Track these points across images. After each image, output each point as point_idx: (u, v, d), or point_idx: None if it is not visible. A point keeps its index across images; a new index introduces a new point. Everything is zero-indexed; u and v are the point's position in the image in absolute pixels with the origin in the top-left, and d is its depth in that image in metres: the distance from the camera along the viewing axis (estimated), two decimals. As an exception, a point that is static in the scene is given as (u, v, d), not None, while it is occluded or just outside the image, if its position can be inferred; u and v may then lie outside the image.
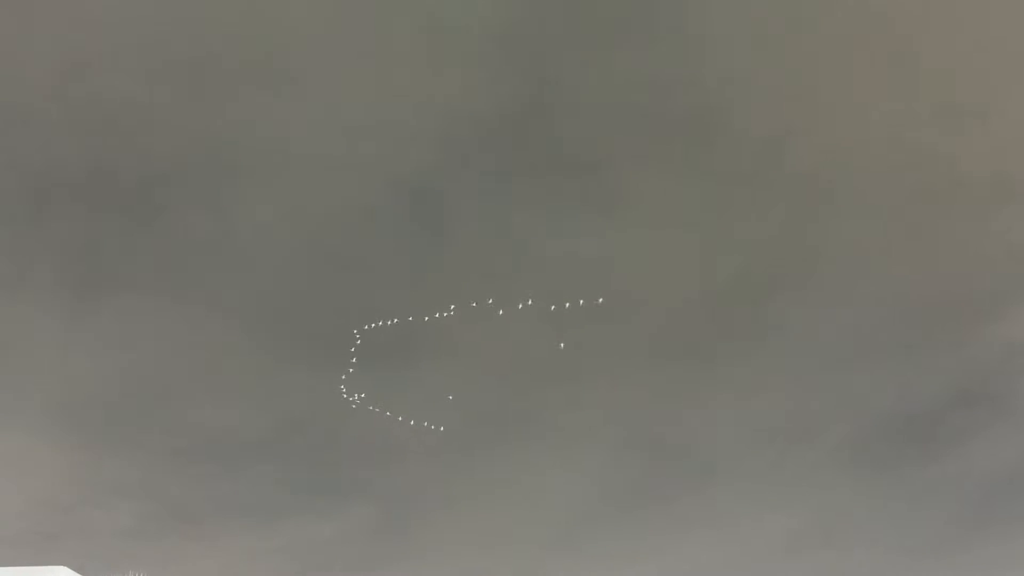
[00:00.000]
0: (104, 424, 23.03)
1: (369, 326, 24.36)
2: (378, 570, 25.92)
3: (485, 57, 23.10)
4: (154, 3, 22.03)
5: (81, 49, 22.96)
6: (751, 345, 26.95)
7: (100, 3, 22.78)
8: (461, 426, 26.56)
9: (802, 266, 25.63)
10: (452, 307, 24.83)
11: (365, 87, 22.87)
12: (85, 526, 22.71)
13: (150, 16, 22.52)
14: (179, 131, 23.26)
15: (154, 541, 23.28)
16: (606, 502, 28.73)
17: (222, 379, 23.68)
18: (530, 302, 25.71)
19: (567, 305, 26.01)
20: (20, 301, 22.53)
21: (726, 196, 25.17)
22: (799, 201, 25.26)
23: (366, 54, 22.67)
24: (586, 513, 28.63)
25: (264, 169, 23.30)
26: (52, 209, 22.97)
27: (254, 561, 24.62)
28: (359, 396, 24.93)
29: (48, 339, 23.00)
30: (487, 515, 27.50)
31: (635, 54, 23.79)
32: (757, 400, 28.59)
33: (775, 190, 25.11)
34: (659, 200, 25.36)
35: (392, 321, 24.45)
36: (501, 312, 25.67)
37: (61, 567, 11.50)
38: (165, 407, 23.28)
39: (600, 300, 25.60)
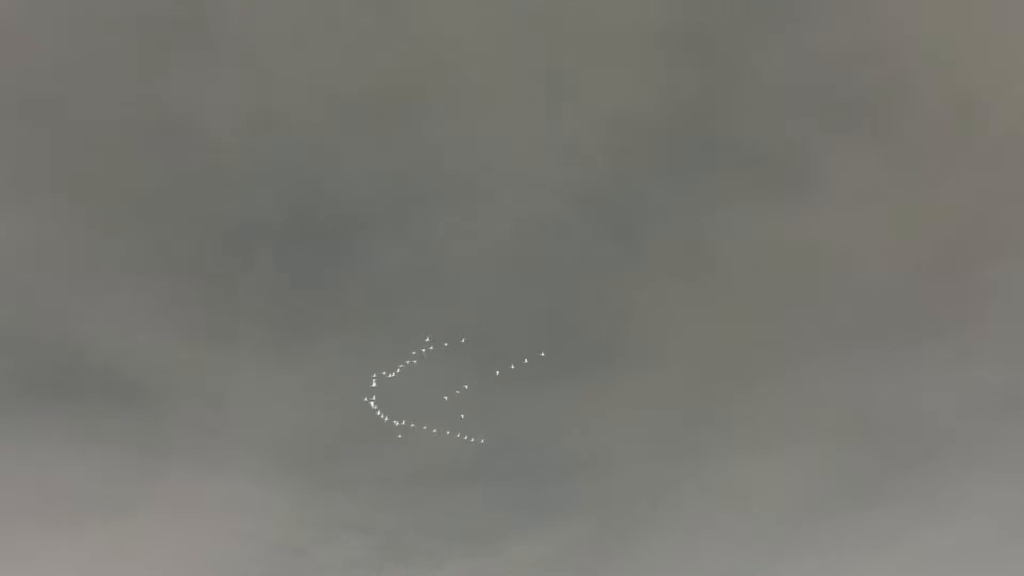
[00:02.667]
0: (324, 463, 23.68)
1: (568, 340, 24.30)
2: (603, 584, 25.87)
3: (655, 56, 22.76)
4: (321, 48, 22.55)
5: (260, 102, 23.67)
6: (966, 313, 25.68)
7: (274, 56, 23.46)
8: (669, 432, 26.22)
9: (1017, 230, 24.23)
10: (649, 313, 24.51)
11: (539, 102, 22.85)
12: (319, 564, 23.40)
13: (320, 61, 23.07)
14: (364, 169, 23.73)
15: (383, 572, 23.82)
16: (826, 495, 27.89)
17: (433, 406, 24.04)
18: (725, 298, 25.18)
19: (764, 297, 25.34)
20: (231, 352, 23.37)
21: (923, 165, 24.06)
22: (1004, 163, 23.92)
23: (536, 68, 22.66)
24: (806, 508, 27.85)
25: (451, 197, 23.54)
26: (251, 260, 23.74)
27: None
28: (565, 410, 24.94)
29: (260, 386, 23.79)
30: (705, 520, 27.06)
31: (811, 31, 23.03)
32: (976, 371, 27.22)
33: (976, 154, 23.84)
34: (850, 179, 24.44)
35: (591, 333, 24.32)
36: (697, 312, 25.24)
37: None
38: (379, 440, 23.78)
39: (793, 288, 24.84)
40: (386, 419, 23.41)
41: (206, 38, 22.41)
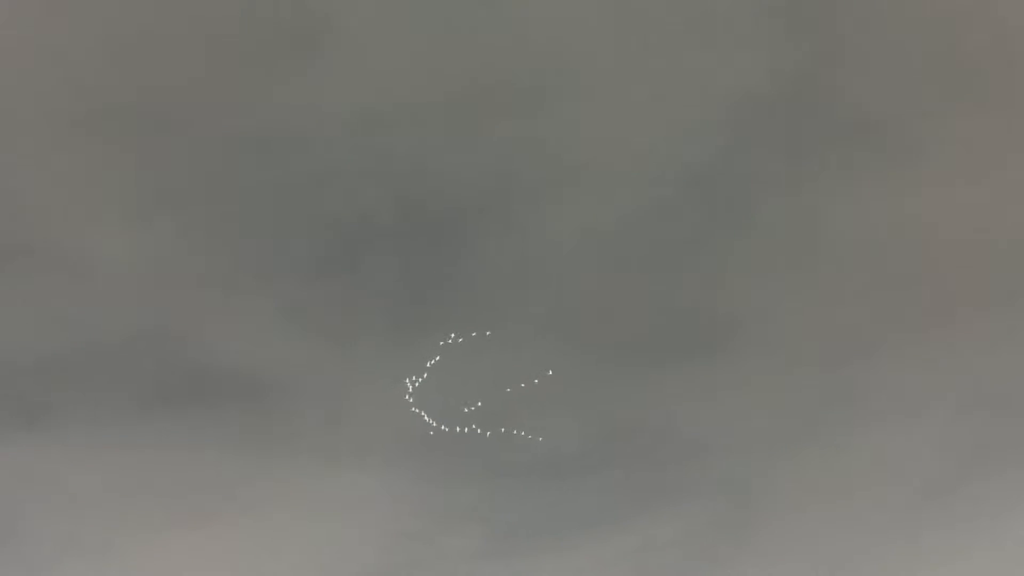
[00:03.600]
0: (444, 453, 24.03)
1: (681, 324, 24.15)
2: (726, 567, 25.68)
3: (761, 29, 22.38)
4: (424, 44, 22.79)
5: (366, 101, 24.06)
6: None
7: (378, 54, 23.81)
8: (787, 412, 25.86)
9: None
10: (760, 293, 24.19)
11: (644, 85, 22.70)
12: (441, 552, 23.78)
13: (424, 57, 23.30)
14: (471, 164, 23.95)
15: (505, 560, 24.09)
16: (954, 472, 27.18)
17: (547, 395, 24.19)
18: (838, 275, 24.70)
19: (878, 273, 24.78)
20: (352, 351, 23.87)
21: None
22: None
23: (640, 51, 22.50)
24: (933, 485, 27.19)
25: (558, 187, 23.59)
26: (365, 258, 24.19)
27: (602, 570, 24.97)
28: (680, 394, 24.80)
29: (382, 382, 24.26)
30: (827, 500, 26.64)
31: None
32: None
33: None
34: (965, 149, 23.71)
35: (703, 316, 24.12)
36: (809, 290, 24.81)
37: None
38: (498, 430, 24.04)
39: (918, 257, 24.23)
40: (509, 409, 23.64)
41: (310, 40, 22.86)
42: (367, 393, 23.81)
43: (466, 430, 24.10)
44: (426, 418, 23.96)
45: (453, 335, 24.06)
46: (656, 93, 23.07)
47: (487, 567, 23.79)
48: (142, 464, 22.84)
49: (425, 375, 23.98)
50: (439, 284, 23.99)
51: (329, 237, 24.04)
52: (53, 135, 21.83)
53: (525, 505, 24.40)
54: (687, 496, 25.36)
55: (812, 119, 23.51)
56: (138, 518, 23.25)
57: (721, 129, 22.90)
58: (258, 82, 22.38)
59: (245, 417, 23.19)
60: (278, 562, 23.61)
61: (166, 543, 23.06)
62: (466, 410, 24.21)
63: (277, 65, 22.73)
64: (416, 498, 24.13)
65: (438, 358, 23.98)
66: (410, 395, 23.88)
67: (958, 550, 25.90)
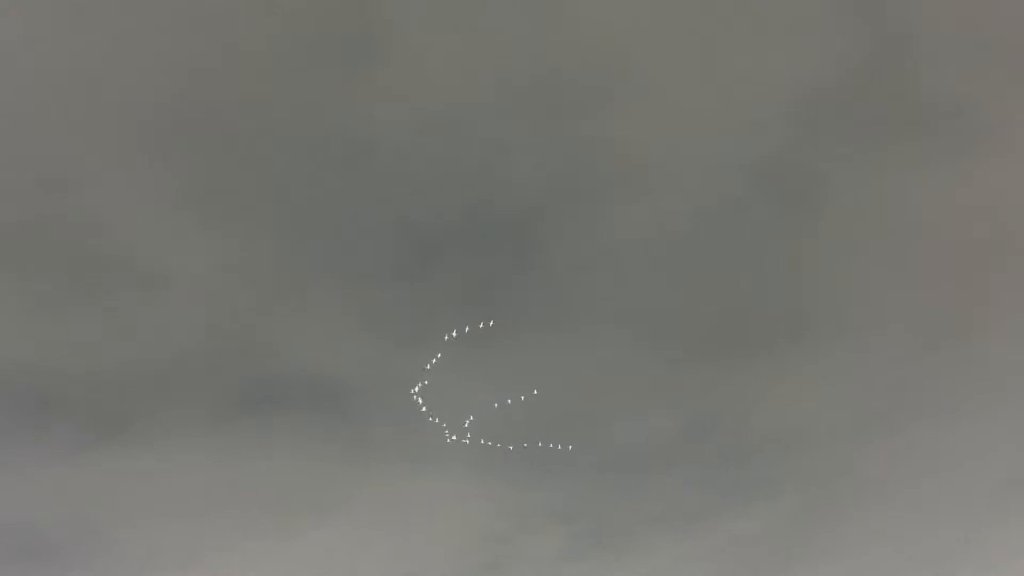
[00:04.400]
0: (526, 454, 24.04)
1: (759, 318, 23.98)
2: (814, 560, 25.33)
3: (827, 22, 22.19)
4: (490, 48, 22.91)
5: (434, 106, 24.13)
6: None
7: (443, 60, 23.89)
8: (870, 403, 25.50)
9: None
10: (839, 284, 23.95)
11: (712, 82, 22.61)
12: (524, 553, 23.79)
13: (490, 61, 23.40)
14: (539, 165, 23.95)
15: (588, 559, 24.03)
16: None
17: (626, 392, 24.11)
18: (915, 261, 24.34)
19: (955, 258, 24.38)
20: (427, 354, 23.96)
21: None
22: None
23: (707, 49, 22.42)
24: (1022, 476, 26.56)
25: (628, 184, 23.55)
26: (438, 261, 24.28)
27: (686, 566, 24.78)
28: (761, 388, 24.58)
29: (459, 383, 24.32)
30: (913, 491, 26.15)
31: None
32: None
33: None
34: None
35: (781, 309, 23.94)
36: (888, 278, 24.47)
37: None
38: (579, 429, 24.00)
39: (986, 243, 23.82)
40: (589, 408, 23.62)
41: (377, 50, 23.12)
42: (452, 396, 23.91)
43: (548, 429, 24.11)
44: (507, 420, 24.01)
45: (529, 334, 24.11)
46: (721, 90, 22.98)
47: (570, 567, 23.77)
48: (227, 471, 23.19)
49: (503, 377, 24.02)
50: (512, 285, 24.08)
51: (402, 241, 24.25)
52: (126, 153, 22.32)
53: (607, 504, 24.35)
54: (768, 491, 25.14)
55: (879, 109, 23.23)
56: (224, 525, 23.58)
57: (788, 122, 22.72)
58: (327, 90, 22.69)
59: (327, 423, 23.48)
60: (364, 566, 23.78)
61: (253, 549, 23.36)
62: (545, 411, 24.23)
63: (345, 73, 23.02)
64: (500, 500, 24.18)
65: (516, 358, 24.01)
66: (490, 397, 23.92)
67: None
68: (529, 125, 23.55)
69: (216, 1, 21.18)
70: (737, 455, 24.72)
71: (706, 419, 24.87)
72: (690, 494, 24.46)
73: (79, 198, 21.36)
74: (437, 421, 23.60)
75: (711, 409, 24.88)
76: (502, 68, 23.24)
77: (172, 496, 23.31)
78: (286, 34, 22.15)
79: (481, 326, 23.43)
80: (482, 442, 23.88)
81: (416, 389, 23.38)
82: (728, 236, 24.81)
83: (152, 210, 22.03)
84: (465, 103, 23.56)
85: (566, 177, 24.19)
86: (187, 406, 22.97)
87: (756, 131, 24.07)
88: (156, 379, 22.60)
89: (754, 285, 24.45)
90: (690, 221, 24.07)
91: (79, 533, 22.61)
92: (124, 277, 22.11)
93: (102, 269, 21.84)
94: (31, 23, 20.54)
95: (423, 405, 23.62)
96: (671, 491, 24.31)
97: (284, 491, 23.74)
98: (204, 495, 23.55)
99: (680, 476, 24.39)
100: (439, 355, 23.27)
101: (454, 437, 23.63)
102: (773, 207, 23.85)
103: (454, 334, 23.39)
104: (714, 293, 24.88)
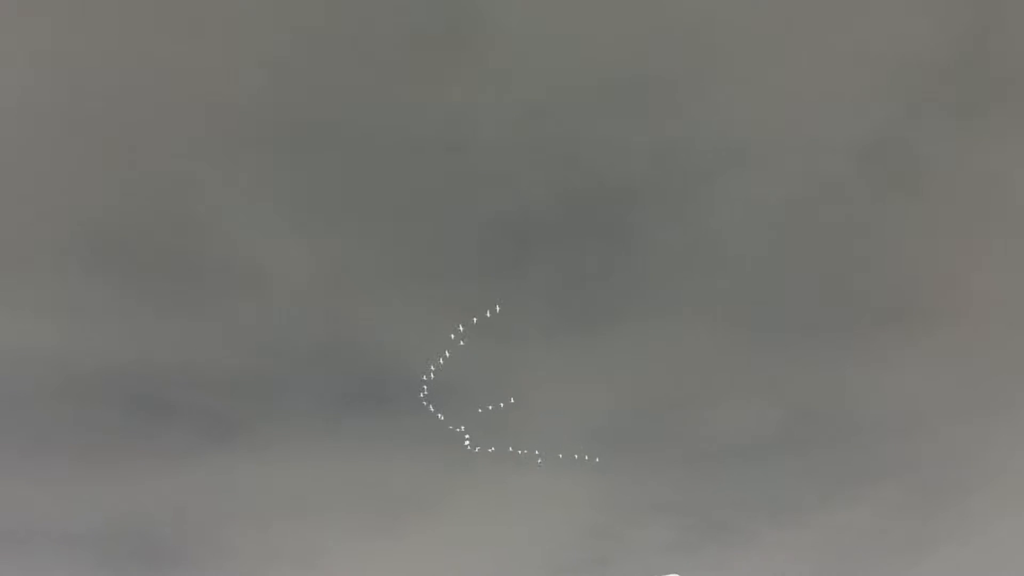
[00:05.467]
0: (629, 446, 23.92)
1: (860, 302, 23.66)
2: (922, 549, 24.79)
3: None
4: (580, 42, 22.98)
5: (527, 98, 24.20)
6: None
7: (535, 52, 23.98)
8: (977, 388, 24.98)
9: None
10: (941, 265, 23.54)
11: (811, 60, 22.42)
12: (631, 546, 23.61)
13: (579, 56, 23.45)
14: (633, 150, 23.91)
15: (695, 551, 23.77)
16: None
17: (726, 382, 23.90)
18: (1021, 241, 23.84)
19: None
20: (525, 346, 23.97)
21: None
22: None
23: (805, 26, 22.26)
24: None
25: (725, 167, 23.42)
26: (532, 252, 24.31)
27: (794, 556, 24.42)
28: (864, 374, 24.23)
29: (558, 377, 24.29)
30: (1022, 477, 25.48)
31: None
32: None
33: None
34: None
35: (883, 293, 23.59)
36: (994, 259, 23.99)
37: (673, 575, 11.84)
38: (681, 420, 23.84)
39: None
40: (690, 398, 23.44)
41: (470, 45, 23.29)
42: (545, 393, 23.92)
43: (648, 421, 23.96)
44: (606, 412, 23.92)
45: (625, 323, 24.04)
46: (824, 67, 22.78)
47: (679, 558, 23.52)
48: (334, 471, 23.40)
49: (600, 367, 23.95)
50: (611, 276, 24.03)
51: (497, 235, 24.34)
52: (233, 157, 22.69)
53: (713, 495, 24.10)
54: (875, 478, 24.71)
55: (982, 82, 22.84)
56: (332, 523, 23.74)
57: (889, 98, 22.44)
58: (425, 91, 22.89)
59: (431, 422, 23.55)
60: (469, 563, 23.75)
61: (364, 547, 23.47)
62: (649, 401, 24.08)
63: (442, 73, 23.22)
64: (604, 494, 24.08)
65: (612, 348, 23.94)
66: (587, 389, 23.87)
67: None
68: (625, 113, 23.52)
69: (318, 4, 21.53)
70: (841, 444, 24.36)
71: (810, 408, 24.56)
72: (795, 484, 24.13)
73: (189, 203, 21.77)
74: (535, 416, 23.58)
75: (815, 398, 24.57)
76: (596, 57, 23.21)
77: (281, 496, 23.55)
78: (387, 37, 22.40)
79: (580, 319, 23.40)
80: (589, 435, 23.81)
81: (522, 384, 23.41)
82: (828, 219, 24.51)
83: (259, 213, 22.39)
84: (559, 94, 23.55)
85: (663, 165, 24.12)
86: (296, 408, 23.23)
87: (857, 111, 23.79)
88: (266, 381, 22.91)
89: (856, 269, 24.14)
90: (789, 205, 23.85)
91: (193, 534, 22.90)
92: (234, 281, 22.48)
93: (212, 273, 22.22)
94: (140, 29, 21.01)
95: (530, 400, 23.64)
96: (776, 481, 24.01)
97: (390, 490, 23.85)
98: (312, 494, 23.75)
99: (784, 466, 24.09)
100: (539, 350, 23.30)
101: (552, 431, 23.59)
102: (875, 188, 23.57)
103: (552, 328, 23.39)
104: (815, 278, 24.59)
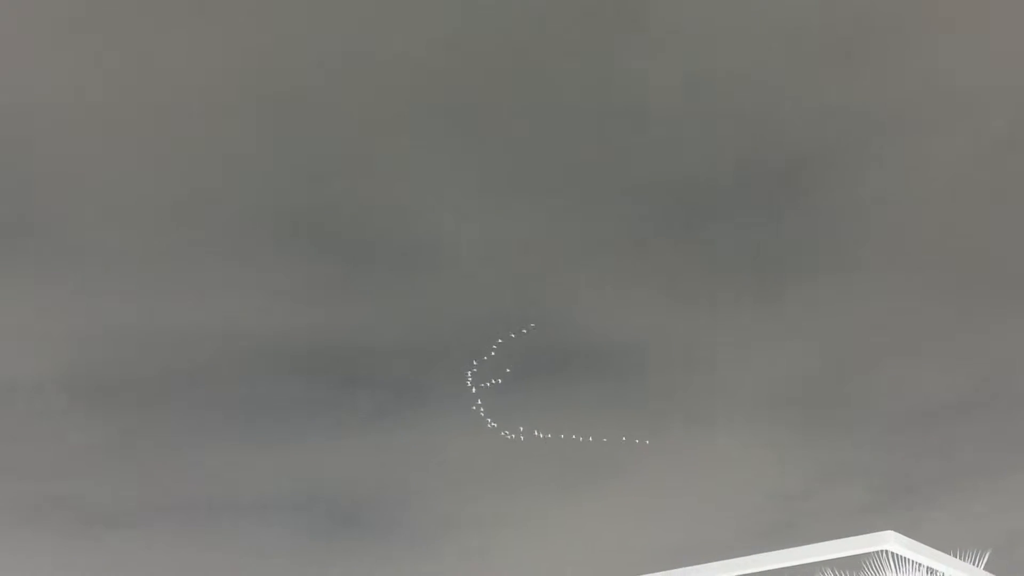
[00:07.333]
0: (818, 408, 23.59)
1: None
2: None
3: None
4: (749, 6, 22.49)
5: (698, 65, 23.94)
6: None
7: (705, 26, 23.66)
8: None
9: None
10: None
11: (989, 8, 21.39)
12: (821, 509, 23.40)
13: (750, 22, 23.00)
14: (813, 110, 23.35)
15: (889, 514, 23.38)
16: None
17: (912, 344, 23.26)
18: None
19: None
20: (710, 312, 23.85)
21: None
22: None
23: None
24: None
25: (913, 124, 22.65)
26: (713, 216, 24.09)
27: (990, 520, 23.75)
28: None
29: (742, 341, 24.07)
30: None
31: None
32: None
33: None
34: None
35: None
36: None
37: (888, 531, 11.56)
38: (873, 381, 23.35)
39: None
40: (876, 361, 22.94)
41: (641, 18, 23.07)
42: (727, 357, 23.75)
43: (838, 382, 23.58)
44: (796, 374, 23.62)
45: (812, 284, 23.59)
46: (995, 19, 21.68)
47: (872, 520, 23.16)
48: (520, 435, 23.80)
49: (789, 328, 23.63)
50: (792, 237, 23.57)
51: (675, 203, 24.14)
52: (409, 133, 23.13)
53: (903, 457, 23.57)
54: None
55: None
56: (521, 489, 24.26)
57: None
58: (597, 60, 22.79)
59: (615, 385, 23.72)
60: (658, 527, 23.97)
61: (551, 512, 23.94)
62: (835, 361, 23.66)
63: (614, 40, 23.06)
64: (790, 457, 23.83)
65: (800, 310, 23.56)
66: (776, 351, 23.61)
67: None
68: (802, 73, 22.94)
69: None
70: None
71: (1001, 368, 23.69)
72: (995, 446, 23.38)
73: (368, 180, 22.34)
74: (720, 379, 23.46)
75: (1006, 358, 23.67)
76: (766, 25, 22.69)
77: (468, 463, 24.16)
78: (556, 6, 22.36)
79: (766, 281, 23.09)
80: (776, 399, 23.57)
81: (705, 348, 23.31)
82: (1005, 174, 23.50)
83: (436, 191, 22.78)
84: (735, 60, 23.17)
85: (839, 123, 23.47)
86: (476, 376, 23.71)
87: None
88: (449, 350, 23.44)
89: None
90: (981, 161, 22.90)
91: (383, 500, 23.78)
92: (414, 255, 22.99)
93: (394, 248, 22.79)
94: (316, 15, 21.55)
95: (714, 363, 23.55)
96: (976, 443, 23.28)
97: (572, 456, 24.17)
98: (497, 461, 24.29)
99: (984, 427, 23.33)
100: (724, 313, 23.11)
101: (741, 394, 23.43)
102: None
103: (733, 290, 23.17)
104: (999, 232, 23.61)
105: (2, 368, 22.99)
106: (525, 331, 22.59)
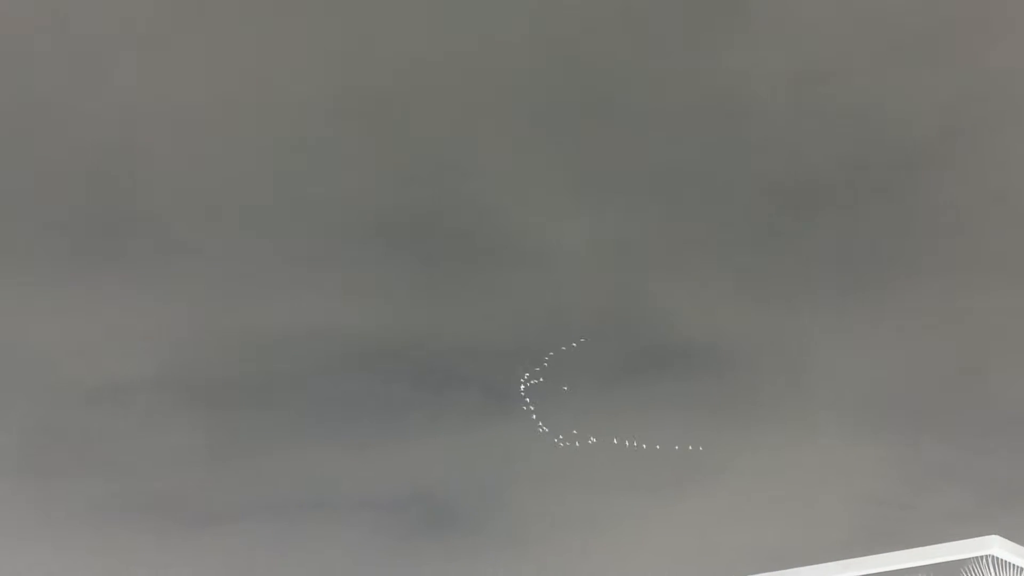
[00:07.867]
0: (917, 412, 23.28)
1: None
2: None
3: None
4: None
5: (802, 63, 23.69)
6: None
7: (809, 15, 23.45)
8: None
9: None
10: None
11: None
12: (925, 516, 23.05)
13: (852, 16, 22.73)
14: (919, 106, 22.99)
15: (993, 520, 22.94)
16: None
17: (1018, 346, 22.82)
18: None
19: None
20: (805, 313, 23.66)
21: None
22: None
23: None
24: None
25: (1011, 122, 22.23)
26: (812, 218, 23.88)
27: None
28: None
29: (838, 343, 23.82)
30: None
31: None
32: None
33: None
34: None
35: None
36: None
37: (993, 536, 11.40)
38: (974, 385, 22.97)
39: None
40: (976, 362, 22.51)
41: (745, 7, 22.85)
42: (827, 356, 23.50)
43: (938, 386, 23.17)
44: (894, 377, 23.28)
45: (911, 285, 23.19)
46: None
47: (975, 528, 22.69)
48: (613, 438, 23.77)
49: (886, 332, 23.29)
50: (892, 236, 23.25)
51: (773, 201, 23.92)
52: (503, 137, 23.16)
53: (1002, 462, 23.13)
54: None
55: None
56: (615, 488, 24.21)
57: None
58: (698, 57, 22.64)
59: (710, 387, 23.58)
60: (754, 530, 23.79)
61: (645, 512, 23.86)
62: (935, 364, 23.28)
63: (715, 37, 22.89)
64: (889, 462, 23.51)
65: (897, 312, 23.20)
66: (873, 354, 23.28)
67: None
68: (906, 68, 22.58)
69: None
70: None
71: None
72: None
73: (468, 183, 22.43)
74: (819, 382, 23.23)
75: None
76: (876, 11, 22.34)
77: (562, 462, 24.17)
78: (657, 9, 22.25)
79: (865, 284, 22.81)
80: (870, 403, 23.29)
81: (799, 350, 23.09)
82: None
83: (536, 192, 22.81)
84: (837, 55, 22.87)
85: (945, 121, 23.09)
86: (571, 379, 23.73)
87: None
88: (546, 352, 23.45)
89: None
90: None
91: (480, 499, 23.85)
92: (511, 257, 23.04)
93: (491, 251, 22.86)
94: (403, 26, 21.64)
95: (803, 367, 23.31)
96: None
97: (671, 455, 24.07)
98: (592, 460, 24.27)
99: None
100: (823, 315, 22.89)
101: (837, 398, 23.17)
102: None
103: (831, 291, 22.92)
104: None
105: (105, 369, 23.44)
106: (614, 335, 22.53)
